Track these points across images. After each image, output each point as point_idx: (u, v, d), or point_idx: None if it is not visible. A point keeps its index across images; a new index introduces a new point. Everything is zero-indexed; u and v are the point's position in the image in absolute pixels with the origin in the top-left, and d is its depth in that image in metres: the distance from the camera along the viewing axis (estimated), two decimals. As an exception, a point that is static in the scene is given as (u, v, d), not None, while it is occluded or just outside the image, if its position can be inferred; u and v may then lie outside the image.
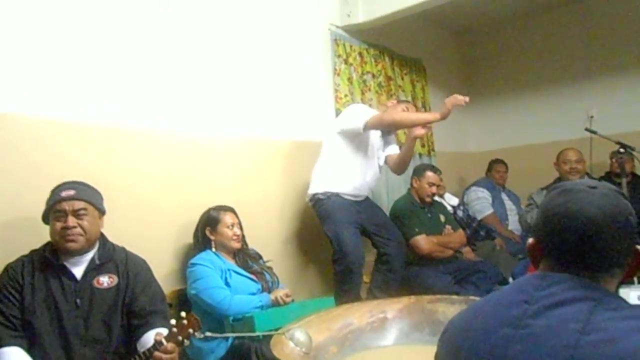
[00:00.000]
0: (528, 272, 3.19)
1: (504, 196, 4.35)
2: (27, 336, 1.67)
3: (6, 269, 1.76)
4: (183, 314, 1.59)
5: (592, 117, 4.45)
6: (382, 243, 3.03)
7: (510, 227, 4.19)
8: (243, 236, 2.52)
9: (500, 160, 4.49)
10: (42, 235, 1.84)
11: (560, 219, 0.95)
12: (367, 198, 3.13)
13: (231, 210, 2.51)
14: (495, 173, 4.45)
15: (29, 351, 1.64)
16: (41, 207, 1.82)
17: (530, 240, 1.05)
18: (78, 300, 1.74)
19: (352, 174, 2.94)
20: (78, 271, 1.79)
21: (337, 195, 2.88)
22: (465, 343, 0.97)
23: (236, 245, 2.45)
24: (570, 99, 4.75)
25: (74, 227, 1.74)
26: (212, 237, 2.45)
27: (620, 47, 4.49)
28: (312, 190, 2.94)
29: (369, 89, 3.89)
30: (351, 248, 2.80)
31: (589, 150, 3.80)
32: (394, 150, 3.23)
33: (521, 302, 0.93)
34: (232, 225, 2.45)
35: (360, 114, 2.91)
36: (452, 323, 1.07)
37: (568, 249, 0.93)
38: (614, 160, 3.48)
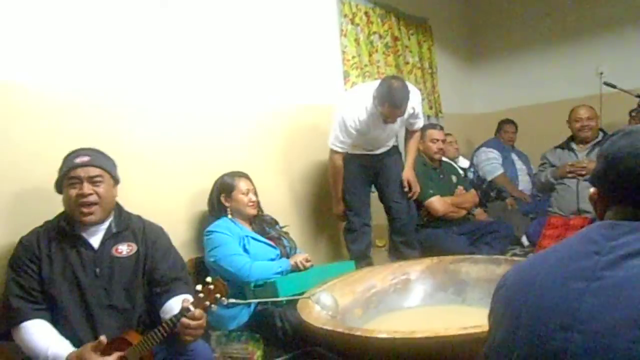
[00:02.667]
0: (543, 232, 3.18)
1: (513, 156, 4.30)
2: (50, 308, 1.61)
3: (21, 241, 1.69)
4: (209, 279, 1.54)
5: (601, 73, 4.35)
6: (393, 206, 3.00)
7: (520, 187, 4.15)
8: (258, 202, 2.46)
9: (509, 120, 4.42)
10: (55, 206, 1.77)
11: (627, 159, 0.89)
12: (388, 151, 3.05)
13: (245, 176, 2.44)
14: (504, 133, 4.38)
15: (53, 323, 1.59)
16: (53, 177, 1.74)
17: (592, 189, 0.99)
18: (97, 270, 1.68)
19: (361, 144, 2.93)
20: (95, 240, 1.72)
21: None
22: (528, 299, 0.91)
23: (252, 211, 2.39)
24: (579, 56, 4.64)
25: (90, 194, 1.66)
26: (227, 204, 2.39)
27: (626, 1, 4.36)
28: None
29: (376, 50, 3.78)
30: (352, 207, 2.95)
31: (600, 107, 3.73)
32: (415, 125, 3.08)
33: (591, 254, 0.87)
34: (248, 192, 2.38)
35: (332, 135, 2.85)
36: (508, 279, 1.01)
37: (638, 190, 0.88)
38: (633, 115, 3.40)
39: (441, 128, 3.45)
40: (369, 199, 3.07)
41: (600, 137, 3.35)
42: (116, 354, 1.49)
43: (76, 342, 1.56)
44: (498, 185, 4.03)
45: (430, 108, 4.29)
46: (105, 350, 1.48)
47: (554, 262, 0.93)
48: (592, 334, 0.80)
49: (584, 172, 3.17)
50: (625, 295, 0.79)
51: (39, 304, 1.60)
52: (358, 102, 2.80)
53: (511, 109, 4.81)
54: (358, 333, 1.54)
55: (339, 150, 2.84)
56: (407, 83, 2.78)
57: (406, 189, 2.99)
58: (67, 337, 1.57)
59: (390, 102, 2.64)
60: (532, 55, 4.92)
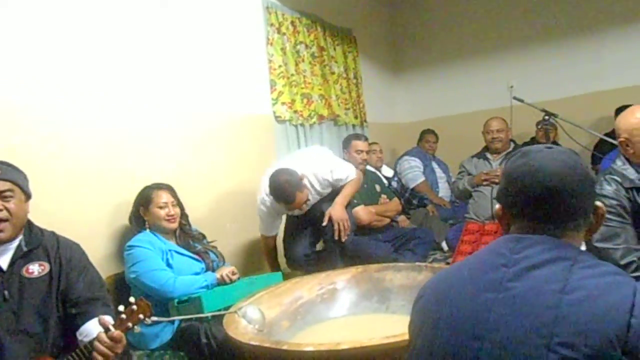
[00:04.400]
0: (461, 237, 3.35)
1: (434, 165, 4.50)
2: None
3: None
4: (132, 299, 1.48)
5: (512, 87, 4.68)
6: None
7: (440, 195, 4.35)
8: (185, 215, 2.40)
9: (430, 130, 4.63)
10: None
11: (524, 177, 0.97)
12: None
13: (166, 187, 2.36)
14: (425, 143, 4.58)
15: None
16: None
17: (497, 206, 1.07)
18: (6, 292, 1.56)
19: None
20: (4, 261, 1.60)
21: None
22: (444, 310, 0.97)
23: (169, 225, 2.30)
24: (492, 70, 4.96)
25: (0, 210, 1.54)
26: (146, 217, 2.31)
27: (536, 17, 4.72)
28: None
29: (303, 60, 3.82)
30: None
31: (510, 119, 4.00)
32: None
33: (499, 266, 0.94)
34: (165, 205, 2.29)
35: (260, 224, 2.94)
36: (426, 290, 1.06)
37: (534, 205, 0.96)
38: (539, 127, 3.67)
39: (365, 139, 3.54)
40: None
41: (511, 148, 3.59)
42: None
43: (-20, 370, 1.44)
44: (420, 193, 4.20)
45: (356, 117, 4.40)
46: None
47: (467, 275, 0.99)
48: (500, 342, 0.86)
49: (497, 180, 3.38)
50: (529, 305, 0.86)
51: (-61, 331, 1.46)
52: (268, 198, 2.76)
53: (432, 119, 5.05)
54: (285, 347, 1.54)
55: (270, 235, 2.96)
56: (308, 156, 2.91)
57: (324, 224, 2.73)
58: (-31, 368, 1.45)
59: (283, 200, 2.62)
60: (451, 68, 5.19)
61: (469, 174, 3.61)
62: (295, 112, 3.65)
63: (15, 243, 1.63)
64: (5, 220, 1.57)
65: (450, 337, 0.93)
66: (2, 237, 1.57)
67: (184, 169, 2.78)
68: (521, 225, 1.00)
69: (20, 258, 1.62)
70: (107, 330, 1.42)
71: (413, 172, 4.32)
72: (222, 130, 3.10)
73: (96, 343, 1.41)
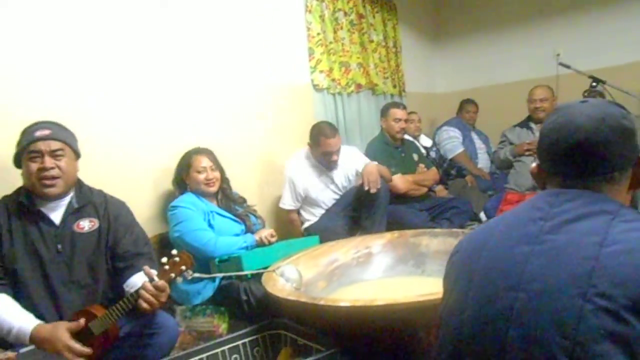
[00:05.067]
0: (500, 207, 3.30)
1: (473, 135, 4.41)
2: (12, 284, 1.59)
3: (-22, 217, 1.65)
4: (174, 251, 1.55)
5: (558, 54, 4.49)
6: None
7: (479, 166, 4.28)
8: (226, 179, 2.46)
9: (471, 100, 4.52)
10: (12, 181, 1.73)
11: (552, 133, 0.96)
12: None
13: (206, 152, 2.42)
14: (465, 113, 4.49)
15: (15, 299, 1.57)
16: (10, 150, 1.70)
17: (534, 164, 1.06)
18: (59, 246, 1.66)
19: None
20: (56, 216, 1.70)
21: None
22: (479, 263, 0.97)
23: (207, 189, 2.37)
24: (537, 37, 4.76)
25: (52, 167, 1.63)
26: (187, 181, 2.38)
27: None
28: None
29: (341, 27, 3.78)
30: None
31: (556, 88, 3.86)
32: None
33: (536, 220, 0.93)
34: (204, 169, 2.35)
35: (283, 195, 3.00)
36: (462, 245, 1.07)
37: (564, 161, 0.95)
38: (586, 95, 3.54)
39: (404, 107, 3.51)
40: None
41: (555, 117, 3.48)
42: (79, 321, 1.48)
43: (38, 317, 1.54)
44: (458, 164, 4.14)
45: (394, 87, 4.34)
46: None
47: (503, 229, 0.99)
48: (535, 292, 0.86)
49: (540, 150, 3.29)
50: (566, 256, 0.85)
51: (0, 279, 1.57)
52: (301, 161, 2.98)
53: (473, 89, 4.92)
54: (321, 302, 1.59)
55: (291, 208, 2.97)
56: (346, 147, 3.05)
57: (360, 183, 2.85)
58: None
59: (323, 135, 2.84)
60: (494, 36, 5.02)
61: (511, 144, 3.53)
62: (333, 80, 3.64)
63: (67, 200, 1.73)
64: (57, 177, 1.66)
65: (484, 288, 0.93)
66: (55, 192, 1.66)
67: (225, 135, 2.84)
68: (555, 182, 0.99)
69: (72, 214, 1.71)
70: (151, 280, 1.50)
71: (452, 142, 4.25)
72: (261, 98, 3.12)
73: (141, 291, 1.49)
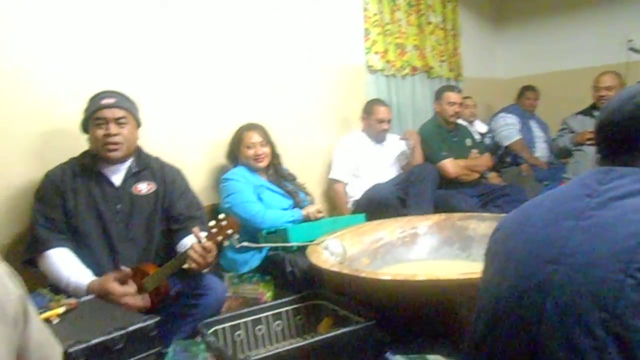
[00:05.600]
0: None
1: (532, 123, 4.25)
2: (74, 239, 1.71)
3: (47, 175, 1.78)
4: (222, 215, 1.61)
5: (630, 40, 4.24)
6: None
7: (537, 154, 4.13)
8: (277, 155, 2.52)
9: (532, 86, 4.35)
10: (78, 144, 1.86)
11: (602, 114, 0.98)
12: None
13: (257, 128, 2.47)
14: (525, 100, 4.32)
15: (76, 253, 1.69)
16: (77, 116, 1.82)
17: None
18: (119, 206, 1.77)
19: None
20: (117, 178, 1.81)
21: None
22: (520, 237, 0.97)
23: (257, 164, 2.43)
24: (606, 22, 4.50)
25: (116, 134, 1.74)
26: (239, 155, 2.46)
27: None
28: None
29: (398, 8, 3.73)
30: None
31: (625, 75, 3.65)
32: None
33: (583, 196, 0.91)
34: (254, 145, 2.42)
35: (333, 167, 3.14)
36: (506, 221, 1.07)
37: (604, 142, 0.96)
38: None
39: (459, 91, 3.44)
40: None
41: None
42: (134, 284, 1.59)
43: (98, 270, 1.66)
44: (514, 151, 4.02)
45: (451, 70, 4.25)
46: (124, 280, 1.58)
47: (548, 204, 0.98)
48: (575, 266, 0.85)
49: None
50: (610, 232, 0.83)
51: (62, 233, 1.70)
52: (354, 136, 3.16)
53: (534, 75, 4.73)
54: (363, 275, 1.62)
55: (340, 179, 3.03)
56: None
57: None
58: (89, 266, 1.67)
59: (375, 104, 3.15)
60: (559, 21, 4.79)
61: (572, 132, 3.39)
62: (388, 62, 3.61)
63: (127, 164, 1.84)
64: (120, 143, 1.77)
65: (524, 261, 0.93)
66: (117, 157, 1.77)
67: (278, 112, 2.89)
68: (605, 162, 0.97)
69: (131, 177, 1.83)
70: (199, 241, 1.58)
71: (508, 129, 4.11)
72: (315, 77, 3.15)
73: (190, 251, 1.57)
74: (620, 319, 0.74)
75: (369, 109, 3.16)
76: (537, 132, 4.25)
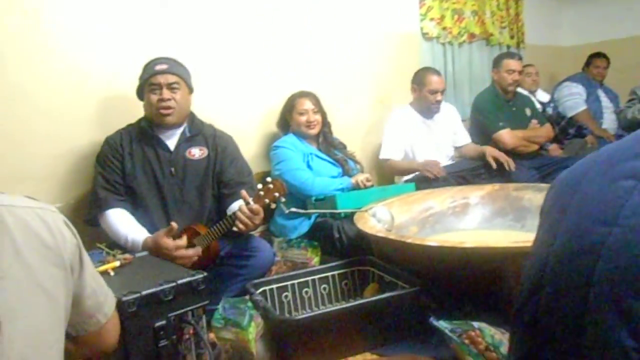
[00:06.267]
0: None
1: (600, 93, 4.01)
2: (131, 200, 1.80)
3: (106, 140, 1.87)
4: (269, 179, 1.64)
5: None
6: None
7: (604, 126, 3.90)
8: (328, 123, 2.52)
9: (601, 54, 4.07)
10: (137, 111, 1.93)
11: None
12: None
13: (310, 95, 2.48)
14: (593, 68, 4.07)
15: (133, 213, 1.78)
16: (134, 84, 1.89)
17: None
18: (173, 169, 1.84)
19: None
20: (171, 143, 1.88)
21: None
22: (574, 196, 0.92)
23: (308, 131, 2.43)
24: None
25: (169, 99, 1.79)
26: (290, 123, 2.47)
27: None
28: None
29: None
30: None
31: None
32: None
33: (643, 154, 0.85)
34: (307, 111, 2.42)
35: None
36: (560, 178, 1.02)
37: None
38: None
39: (520, 58, 3.27)
40: None
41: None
42: (185, 237, 1.65)
43: (153, 230, 1.74)
44: (579, 122, 3.80)
45: (512, 37, 4.05)
46: (177, 237, 1.65)
47: (604, 161, 0.92)
48: (631, 228, 0.80)
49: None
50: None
51: (121, 195, 1.79)
52: (405, 111, 2.96)
53: (602, 42, 4.43)
54: (409, 240, 1.60)
55: (392, 158, 2.87)
56: None
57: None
58: (145, 226, 1.76)
59: (428, 73, 2.90)
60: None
61: (640, 102, 3.17)
62: (444, 29, 3.49)
63: (180, 129, 1.90)
64: (173, 108, 1.82)
65: (576, 221, 0.88)
66: (171, 120, 1.83)
67: (331, 80, 2.87)
68: None
69: (184, 142, 1.88)
70: (247, 203, 1.61)
71: (574, 99, 3.90)
72: (367, 45, 3.10)
73: (238, 213, 1.61)
74: (675, 285, 0.70)
75: (420, 78, 2.91)
76: (606, 103, 4.00)
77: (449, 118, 3.05)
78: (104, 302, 0.88)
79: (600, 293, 0.81)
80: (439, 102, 2.90)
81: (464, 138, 3.11)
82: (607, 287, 0.80)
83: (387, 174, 3.03)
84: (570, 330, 0.82)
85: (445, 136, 3.02)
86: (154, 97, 1.81)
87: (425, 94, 2.88)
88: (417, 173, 2.79)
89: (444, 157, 2.96)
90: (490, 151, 2.86)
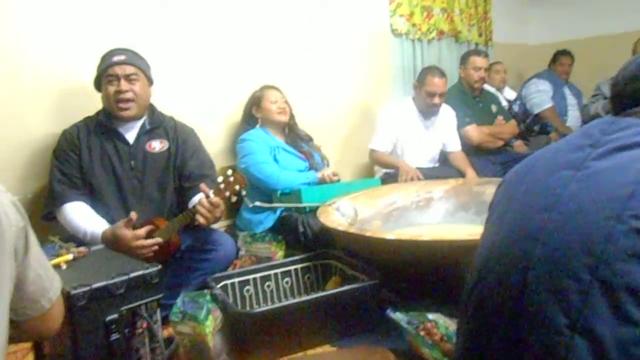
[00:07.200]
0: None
1: (566, 90, 4.09)
2: (90, 195, 1.76)
3: (63, 133, 1.83)
4: (229, 171, 1.63)
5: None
6: None
7: (569, 123, 3.98)
8: (293, 116, 2.51)
9: (567, 51, 4.16)
10: (94, 103, 1.89)
11: (618, 74, 0.97)
12: None
13: (276, 87, 2.50)
14: (559, 65, 4.15)
15: (92, 207, 1.74)
16: (93, 75, 1.85)
17: None
18: (132, 162, 1.81)
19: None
20: (130, 136, 1.84)
21: None
22: (520, 187, 0.95)
23: (281, 118, 2.44)
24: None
25: (127, 90, 1.76)
26: (257, 115, 2.46)
27: None
28: None
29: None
30: None
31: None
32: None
33: (585, 147, 0.89)
34: (276, 100, 2.44)
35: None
36: (510, 173, 1.05)
37: (615, 99, 0.96)
38: None
39: (486, 55, 3.32)
40: None
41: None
42: (146, 228, 1.62)
43: (112, 224, 1.70)
44: (543, 120, 3.88)
45: (480, 35, 4.10)
46: (137, 229, 1.62)
47: (551, 155, 0.96)
48: (568, 213, 0.82)
49: None
50: (607, 181, 0.81)
51: (78, 188, 1.75)
52: (401, 105, 2.93)
53: (569, 41, 4.51)
54: (368, 234, 1.61)
55: (381, 149, 2.84)
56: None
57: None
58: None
59: (430, 73, 2.82)
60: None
61: (605, 98, 3.23)
62: (414, 25, 3.51)
63: (140, 122, 1.87)
64: (132, 100, 1.79)
65: (520, 211, 0.92)
66: (129, 114, 1.80)
67: (297, 76, 2.86)
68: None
69: (144, 134, 1.85)
70: (207, 196, 1.60)
71: (540, 96, 3.97)
72: (335, 42, 3.09)
73: (198, 206, 1.60)
74: (608, 264, 0.73)
75: (422, 77, 2.85)
76: (571, 100, 4.09)
77: (445, 122, 2.98)
78: (49, 287, 0.85)
79: (538, 275, 0.83)
80: (435, 105, 2.84)
81: (454, 145, 3.02)
82: (545, 268, 0.83)
83: (369, 164, 3.05)
84: (511, 314, 0.84)
85: (437, 140, 2.98)
86: (112, 89, 1.77)
87: (423, 94, 2.84)
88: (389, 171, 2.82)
89: (429, 160, 2.97)
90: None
